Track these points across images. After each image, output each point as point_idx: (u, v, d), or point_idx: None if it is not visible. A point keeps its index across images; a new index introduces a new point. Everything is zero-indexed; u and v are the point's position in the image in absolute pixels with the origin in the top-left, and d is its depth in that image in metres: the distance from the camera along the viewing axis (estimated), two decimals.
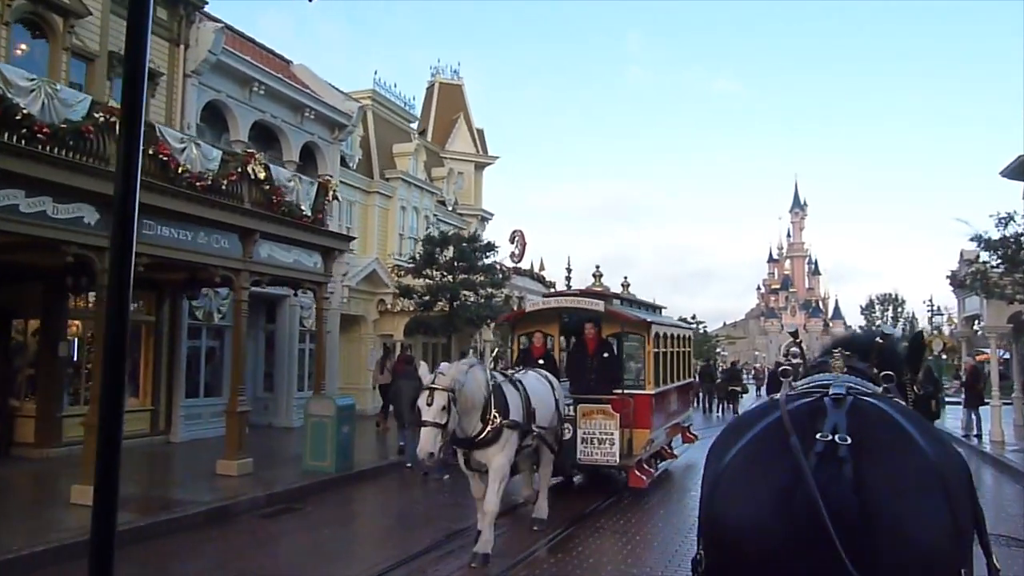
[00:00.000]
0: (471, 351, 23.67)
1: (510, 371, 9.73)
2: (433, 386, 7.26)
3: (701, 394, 30.66)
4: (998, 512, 10.82)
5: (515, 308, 23.69)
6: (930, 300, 55.87)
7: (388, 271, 24.39)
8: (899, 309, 66.21)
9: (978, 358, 26.31)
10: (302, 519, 10.10)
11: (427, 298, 21.72)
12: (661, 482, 12.95)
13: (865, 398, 2.35)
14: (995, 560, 2.37)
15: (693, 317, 67.77)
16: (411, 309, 22.97)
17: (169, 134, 11.57)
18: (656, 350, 12.20)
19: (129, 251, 2.12)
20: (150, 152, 10.83)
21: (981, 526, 2.26)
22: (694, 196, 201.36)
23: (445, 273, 21.75)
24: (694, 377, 19.75)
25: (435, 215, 29.00)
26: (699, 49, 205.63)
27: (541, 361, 11.12)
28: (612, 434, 11.04)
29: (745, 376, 44.94)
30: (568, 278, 50.76)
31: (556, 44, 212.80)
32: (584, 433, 11.10)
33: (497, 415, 7.99)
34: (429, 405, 7.16)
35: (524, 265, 32.55)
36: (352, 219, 24.28)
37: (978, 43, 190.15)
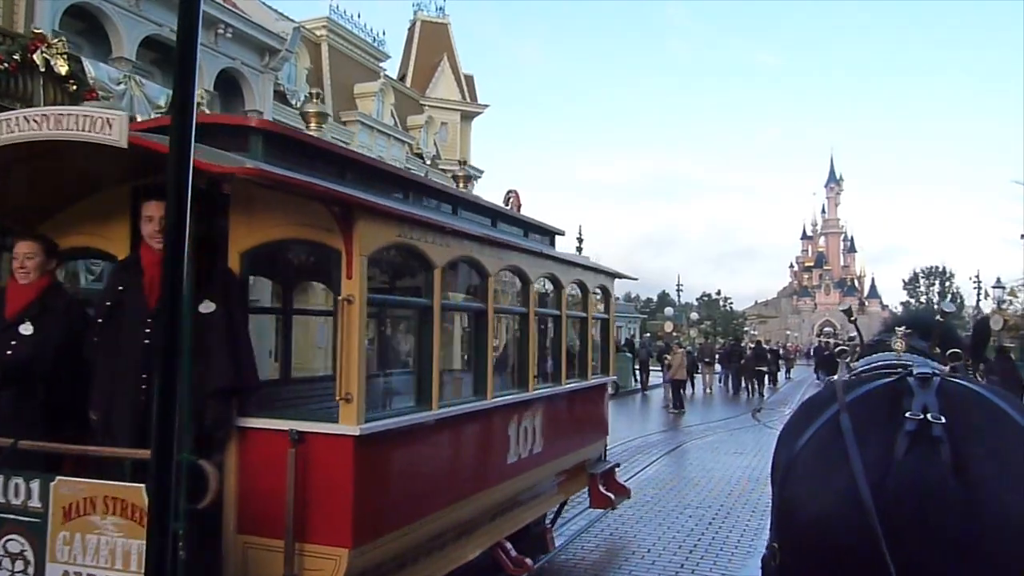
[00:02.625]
0: None
1: None
2: None
3: (725, 375, 30.07)
4: None
5: None
6: (976, 276, 50.76)
7: None
8: (947, 283, 60.59)
9: None
10: None
11: None
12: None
13: (953, 380, 2.21)
14: None
15: (718, 293, 63.37)
16: None
17: None
18: (432, 305, 4.60)
19: None
20: None
21: None
22: (735, 172, 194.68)
23: None
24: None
25: (407, 168, 24.97)
26: (740, 22, 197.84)
27: None
28: None
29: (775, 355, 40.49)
30: (579, 248, 46.69)
31: (598, 11, 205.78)
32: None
33: None
34: None
35: None
36: None
37: None
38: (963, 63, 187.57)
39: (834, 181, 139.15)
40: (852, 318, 3.49)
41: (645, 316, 69.63)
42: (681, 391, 21.77)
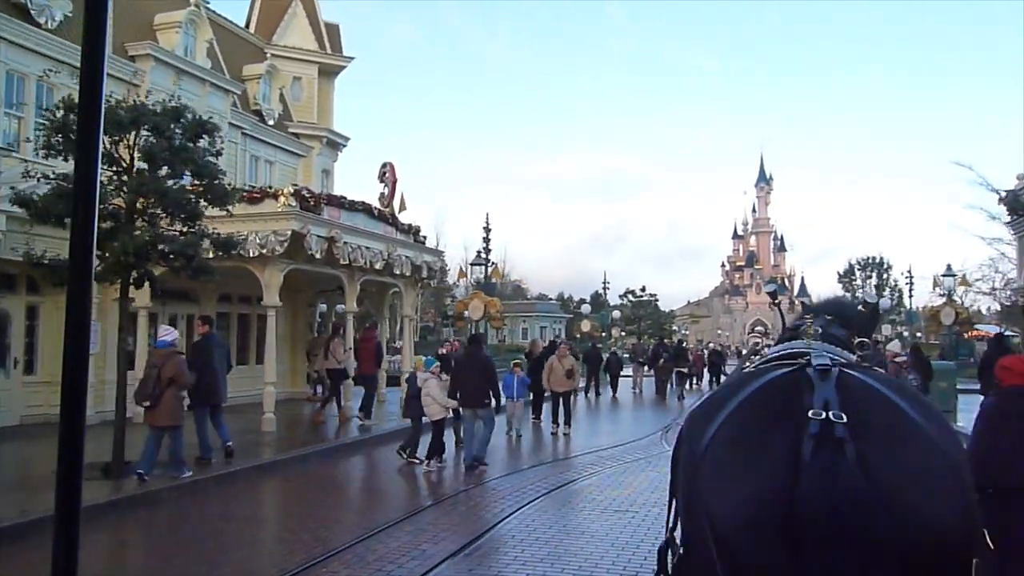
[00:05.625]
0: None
1: None
2: None
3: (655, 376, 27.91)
4: None
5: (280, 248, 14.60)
6: (909, 271, 47.69)
7: None
8: (884, 275, 57.29)
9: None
10: None
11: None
12: None
13: (851, 372, 2.17)
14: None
15: (642, 290, 59.32)
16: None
17: None
18: None
19: None
20: None
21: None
22: (677, 172, 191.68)
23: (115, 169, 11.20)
24: None
25: (233, 124, 19.67)
26: (678, 26, 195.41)
27: None
28: None
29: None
30: (486, 239, 41.77)
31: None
32: None
33: None
34: None
35: (414, 217, 23.47)
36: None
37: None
38: (884, 55, 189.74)
39: (764, 180, 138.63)
40: (776, 301, 3.49)
41: (571, 317, 65.59)
42: (566, 403, 16.67)
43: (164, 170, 10.88)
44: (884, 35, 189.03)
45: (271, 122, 21.92)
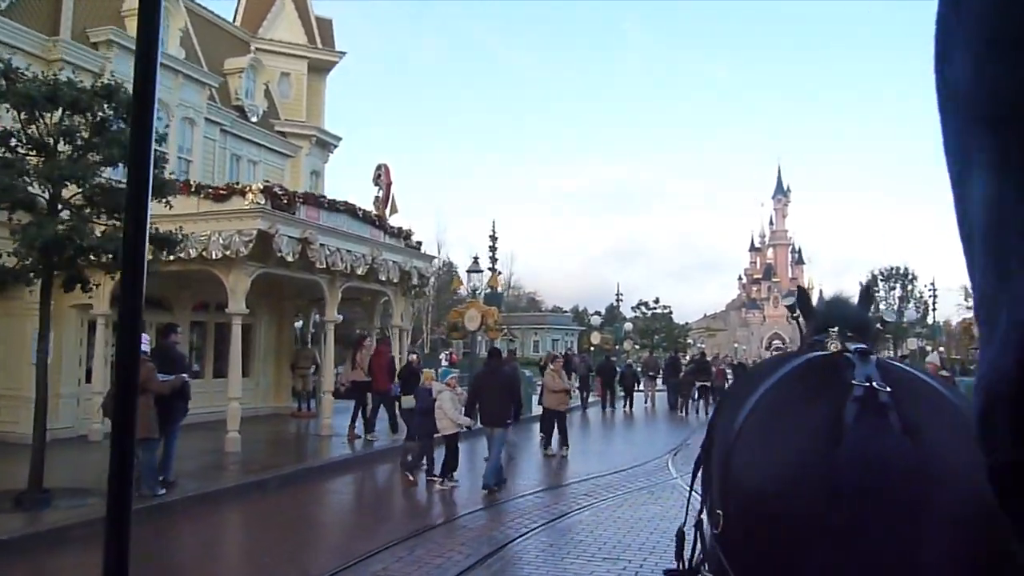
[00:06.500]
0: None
1: None
2: None
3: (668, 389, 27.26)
4: None
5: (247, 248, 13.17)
6: (932, 283, 45.50)
7: None
8: (909, 287, 54.70)
9: None
10: None
11: None
12: None
13: (889, 360, 2.21)
14: None
15: (656, 302, 57.65)
16: None
17: None
18: None
19: None
20: None
21: None
22: (695, 184, 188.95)
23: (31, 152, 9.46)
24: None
25: (210, 120, 18.33)
26: (692, 39, 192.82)
27: None
28: None
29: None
30: (493, 247, 40.30)
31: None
32: None
33: None
34: None
35: (408, 223, 22.03)
36: None
37: None
38: (905, 56, 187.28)
39: (781, 192, 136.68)
40: (794, 315, 3.33)
41: (583, 329, 63.88)
42: (562, 424, 15.18)
43: (97, 156, 9.49)
44: (904, 35, 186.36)
45: (255, 119, 20.59)
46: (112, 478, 1.73)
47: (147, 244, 1.76)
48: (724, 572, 2.08)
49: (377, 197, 21.72)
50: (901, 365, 2.18)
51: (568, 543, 8.01)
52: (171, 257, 11.90)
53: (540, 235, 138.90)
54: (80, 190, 9.42)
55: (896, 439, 1.81)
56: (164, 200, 9.85)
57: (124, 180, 9.82)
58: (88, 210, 9.57)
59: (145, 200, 1.77)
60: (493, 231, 40.42)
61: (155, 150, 7.86)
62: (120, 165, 9.70)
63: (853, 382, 1.93)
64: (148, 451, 9.59)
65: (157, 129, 9.44)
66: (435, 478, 11.19)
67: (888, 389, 1.90)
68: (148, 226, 1.77)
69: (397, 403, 14.15)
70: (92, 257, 9.19)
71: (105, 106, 9.63)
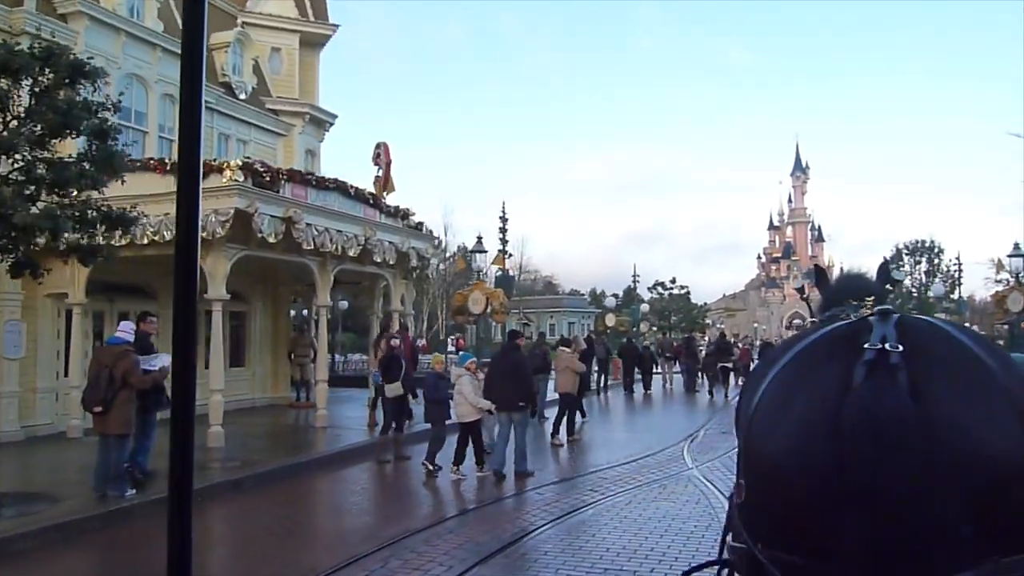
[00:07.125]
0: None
1: None
2: None
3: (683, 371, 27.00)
4: None
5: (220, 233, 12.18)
6: (957, 258, 43.86)
7: None
8: (935, 260, 52.76)
9: None
10: None
11: None
12: None
13: (914, 315, 2.25)
14: None
15: (672, 282, 56.44)
16: None
17: None
18: None
19: None
20: None
21: None
22: (714, 165, 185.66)
23: None
24: None
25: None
26: (708, 24, 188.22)
27: None
28: None
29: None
30: (503, 228, 39.24)
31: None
32: None
33: None
34: None
35: (424, 212, 21.05)
36: None
37: None
38: (925, 26, 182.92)
39: (800, 169, 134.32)
40: (804, 296, 3.46)
41: (600, 311, 62.66)
42: (575, 410, 14.28)
43: (36, 128, 8.51)
44: (924, 6, 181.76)
45: (243, 96, 19.59)
46: (173, 464, 1.80)
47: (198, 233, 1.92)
48: (746, 544, 2.07)
49: (378, 177, 20.61)
50: (929, 319, 2.17)
51: (562, 552, 6.97)
52: (126, 240, 10.97)
53: (559, 220, 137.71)
54: (18, 164, 8.47)
55: (899, 399, 1.80)
56: (119, 178, 8.87)
57: (81, 154, 8.91)
58: (31, 187, 8.62)
59: (195, 196, 1.86)
60: (503, 212, 39.46)
61: (107, 120, 6.76)
62: (85, 137, 8.75)
63: (865, 346, 1.93)
64: (121, 449, 8.93)
65: (109, 96, 8.35)
66: (428, 465, 10.95)
67: (900, 349, 1.89)
68: (199, 217, 1.83)
69: (380, 391, 13.16)
70: (25, 236, 8.22)
71: (46, 70, 8.66)
